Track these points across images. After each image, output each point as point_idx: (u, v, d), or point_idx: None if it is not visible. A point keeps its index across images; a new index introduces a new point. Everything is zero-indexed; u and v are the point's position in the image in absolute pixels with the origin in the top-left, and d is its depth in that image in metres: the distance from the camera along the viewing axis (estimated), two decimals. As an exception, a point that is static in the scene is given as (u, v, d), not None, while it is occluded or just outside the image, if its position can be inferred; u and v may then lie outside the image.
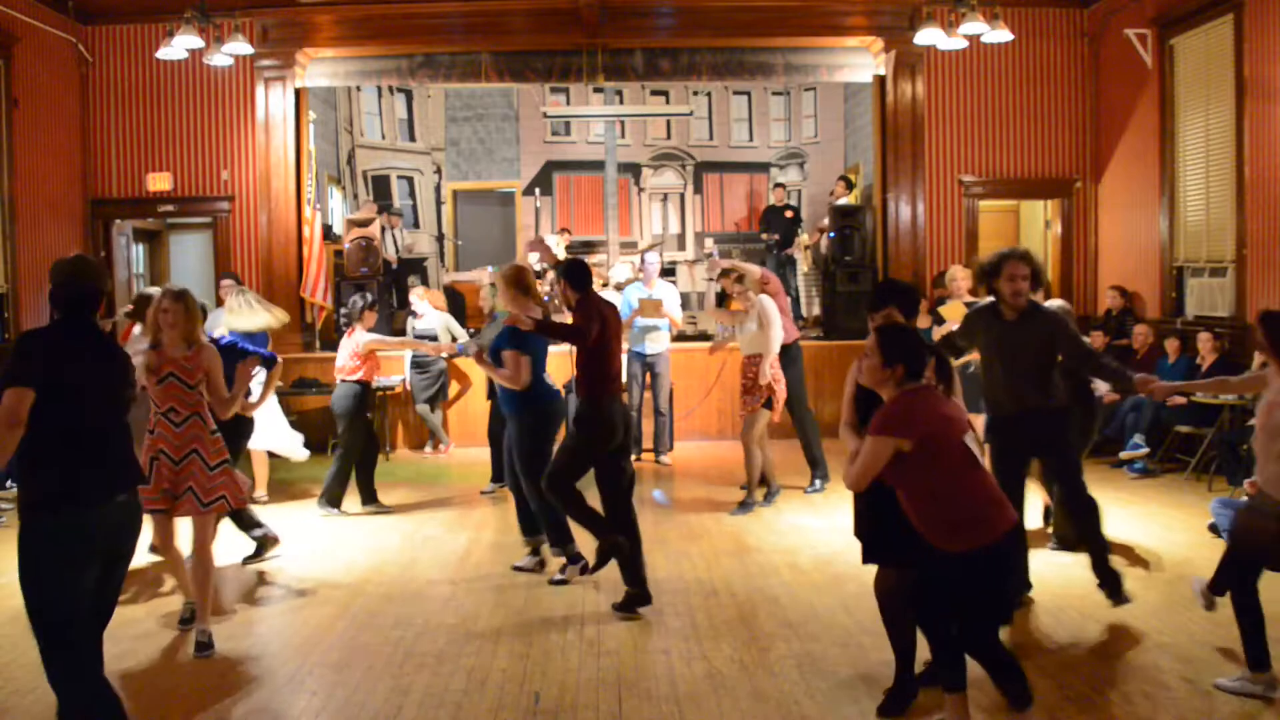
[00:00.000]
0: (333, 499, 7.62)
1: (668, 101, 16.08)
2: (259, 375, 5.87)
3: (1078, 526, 5.43)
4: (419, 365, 10.05)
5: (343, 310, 9.02)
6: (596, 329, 5.27)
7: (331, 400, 7.81)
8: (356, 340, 7.61)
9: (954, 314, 8.73)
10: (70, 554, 3.20)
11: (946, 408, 3.63)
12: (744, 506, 7.49)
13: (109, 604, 3.42)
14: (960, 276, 8.97)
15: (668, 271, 13.45)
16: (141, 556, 4.85)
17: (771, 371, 7.41)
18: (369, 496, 7.71)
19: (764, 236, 13.46)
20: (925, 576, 3.68)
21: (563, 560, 5.86)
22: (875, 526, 3.98)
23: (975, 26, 9.18)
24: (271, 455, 8.14)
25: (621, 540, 5.24)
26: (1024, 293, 5.03)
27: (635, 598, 5.26)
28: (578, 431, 5.34)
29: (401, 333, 10.49)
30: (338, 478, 7.61)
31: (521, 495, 5.94)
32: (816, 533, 6.84)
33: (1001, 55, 10.98)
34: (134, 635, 4.92)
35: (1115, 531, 6.79)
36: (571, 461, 5.35)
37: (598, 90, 14.19)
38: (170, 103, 11.03)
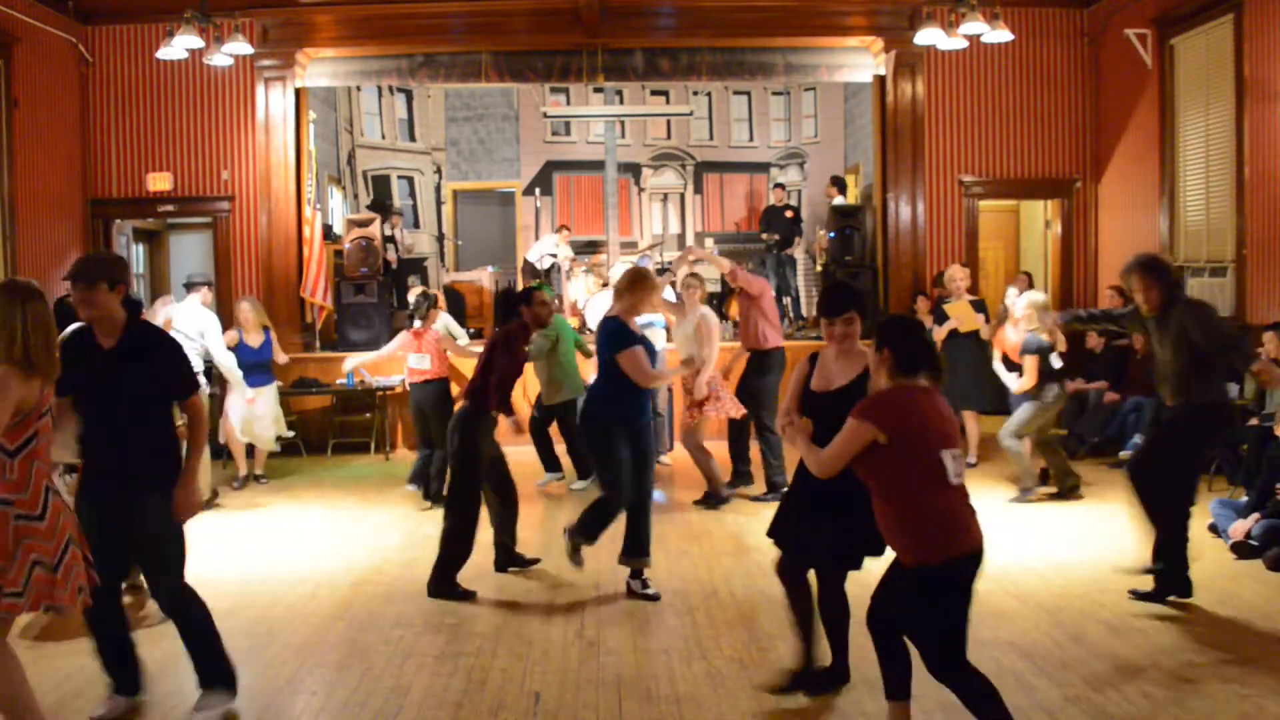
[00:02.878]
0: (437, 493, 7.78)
1: (668, 101, 16.09)
2: None
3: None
4: (419, 365, 10.03)
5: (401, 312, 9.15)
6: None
7: (420, 402, 8.05)
8: (432, 340, 7.98)
9: (958, 312, 8.76)
10: None
11: (934, 417, 3.49)
12: (709, 499, 7.66)
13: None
14: (959, 276, 9.00)
15: (667, 272, 13.43)
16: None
17: (711, 387, 7.60)
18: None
19: (764, 237, 13.46)
20: (883, 582, 3.67)
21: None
22: (799, 513, 4.08)
23: (975, 26, 9.17)
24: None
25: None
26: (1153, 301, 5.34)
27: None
28: (455, 441, 5.75)
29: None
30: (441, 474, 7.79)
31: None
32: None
33: (1001, 55, 10.97)
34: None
35: (1115, 531, 6.80)
36: (461, 484, 5.75)
37: (598, 90, 14.20)
38: (170, 103, 11.03)
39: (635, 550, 5.58)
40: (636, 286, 5.59)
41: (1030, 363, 7.49)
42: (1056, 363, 7.55)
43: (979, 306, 8.83)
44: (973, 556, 3.47)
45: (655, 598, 5.46)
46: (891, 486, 3.48)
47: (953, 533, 3.44)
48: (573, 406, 8.18)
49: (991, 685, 3.43)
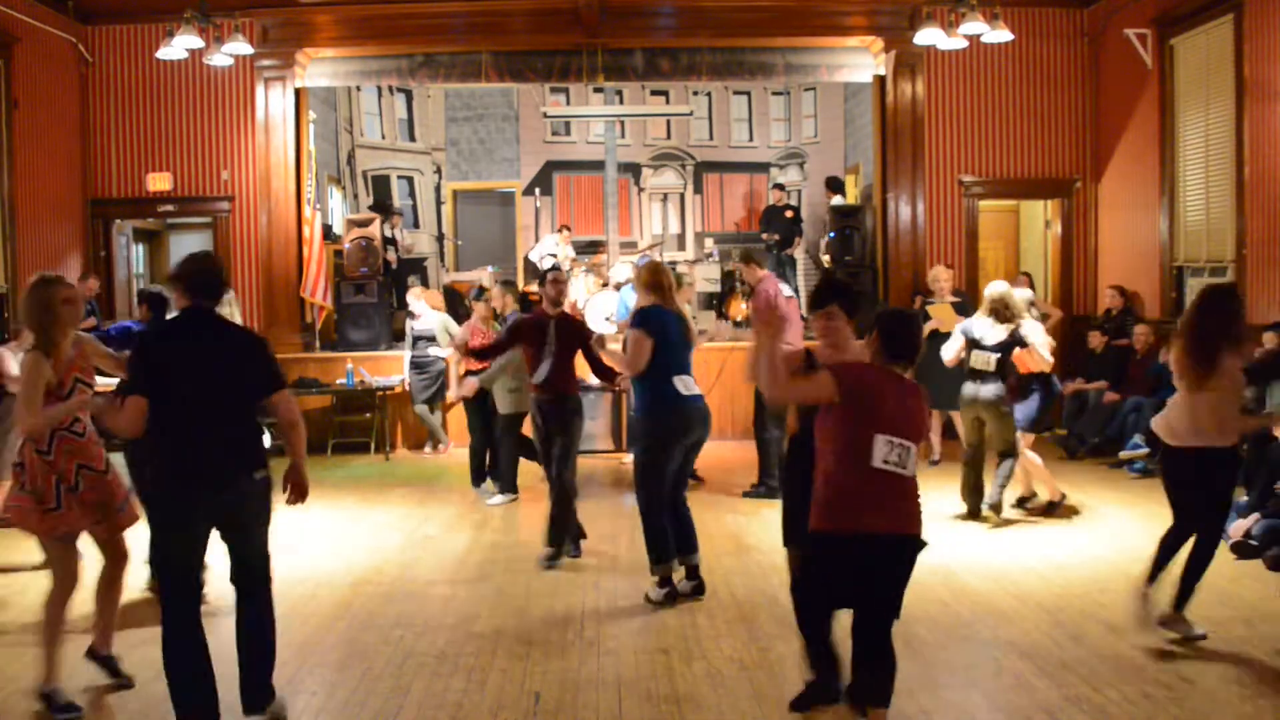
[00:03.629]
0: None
1: (668, 101, 16.07)
2: None
3: None
4: (418, 366, 10.04)
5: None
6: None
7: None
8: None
9: (941, 314, 8.75)
10: None
11: (888, 401, 3.52)
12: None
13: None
14: (944, 277, 9.01)
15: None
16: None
17: None
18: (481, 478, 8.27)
19: (764, 237, 13.46)
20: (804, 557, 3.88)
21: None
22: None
23: (975, 26, 9.18)
24: None
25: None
26: None
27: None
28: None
29: (402, 334, 10.49)
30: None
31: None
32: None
33: (1001, 55, 10.97)
34: (133, 643, 4.91)
35: (1115, 532, 6.81)
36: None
37: (598, 90, 14.18)
38: (170, 103, 11.03)
39: (695, 545, 5.52)
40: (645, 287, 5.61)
41: (951, 326, 7.61)
42: (983, 363, 6.93)
43: (961, 309, 8.81)
44: (864, 538, 3.50)
45: (703, 590, 5.46)
46: (823, 450, 3.61)
47: (845, 508, 3.52)
48: (521, 420, 7.64)
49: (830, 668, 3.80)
